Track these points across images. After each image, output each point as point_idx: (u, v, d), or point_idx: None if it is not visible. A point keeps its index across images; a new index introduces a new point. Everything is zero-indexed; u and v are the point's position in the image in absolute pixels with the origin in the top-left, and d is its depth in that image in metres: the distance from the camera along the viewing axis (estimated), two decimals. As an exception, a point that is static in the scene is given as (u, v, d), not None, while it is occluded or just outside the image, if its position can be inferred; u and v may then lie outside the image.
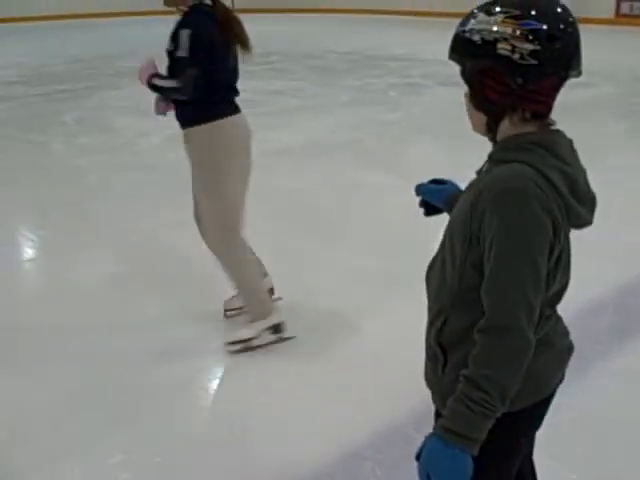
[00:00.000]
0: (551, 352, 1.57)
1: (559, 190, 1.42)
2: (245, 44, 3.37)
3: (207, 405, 3.09)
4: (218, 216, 3.37)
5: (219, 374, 3.42)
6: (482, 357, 1.41)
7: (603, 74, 10.27)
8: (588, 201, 1.51)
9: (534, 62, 1.41)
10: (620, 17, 18.22)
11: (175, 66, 3.18)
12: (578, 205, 1.46)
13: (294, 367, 3.29)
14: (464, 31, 1.48)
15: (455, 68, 1.55)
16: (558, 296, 1.57)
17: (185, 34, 3.11)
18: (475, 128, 1.58)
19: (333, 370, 3.25)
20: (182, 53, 3.11)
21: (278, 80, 10.88)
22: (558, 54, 1.43)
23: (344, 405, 2.95)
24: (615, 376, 3.18)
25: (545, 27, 1.41)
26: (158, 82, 3.22)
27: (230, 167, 3.32)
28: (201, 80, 3.14)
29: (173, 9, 3.36)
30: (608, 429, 2.84)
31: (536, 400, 1.56)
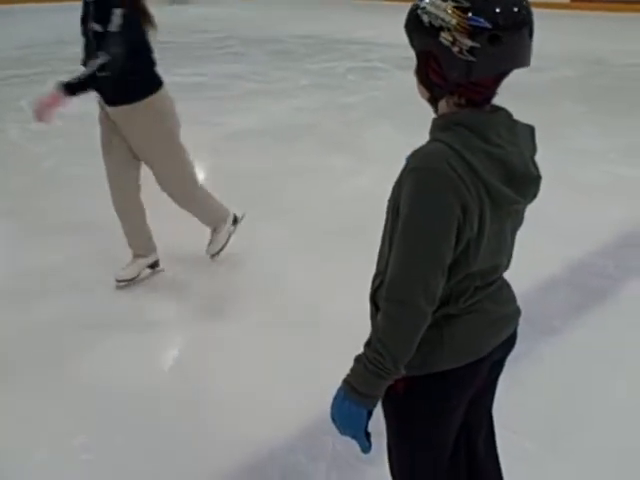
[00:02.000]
0: (481, 319, 1.63)
1: (478, 173, 1.45)
2: (153, 22, 3.63)
3: (165, 382, 3.11)
4: (183, 174, 3.92)
5: (175, 350, 3.45)
6: (380, 323, 1.51)
7: (560, 58, 10.40)
8: (526, 182, 1.53)
9: (472, 59, 1.42)
10: (575, 1, 18.42)
11: (101, 42, 3.38)
12: (505, 187, 1.48)
13: (250, 340, 3.35)
14: (418, 7, 1.48)
15: (414, 53, 1.57)
16: (492, 271, 1.62)
17: (118, 12, 3.37)
18: (421, 96, 1.60)
19: (292, 342, 3.32)
20: (113, 28, 3.37)
21: (237, 64, 10.80)
22: (499, 55, 1.43)
23: (304, 378, 2.99)
24: (569, 349, 3.28)
25: (490, 26, 1.39)
26: (80, 77, 3.38)
27: (175, 129, 3.83)
28: (129, 55, 3.39)
29: None
30: (562, 399, 2.93)
31: (462, 363, 1.62)
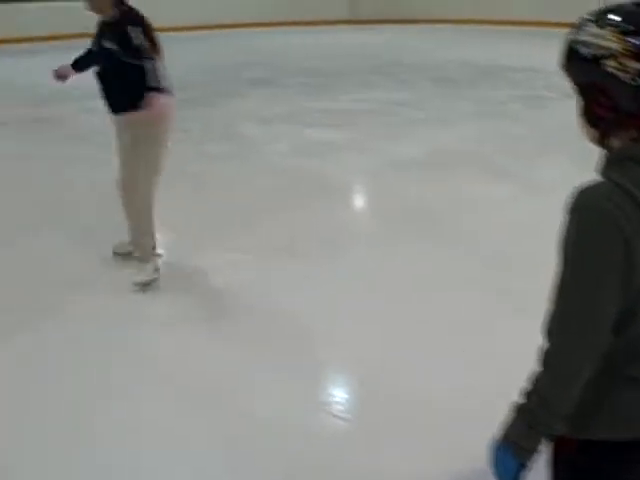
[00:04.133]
0: None
1: None
2: (160, 50, 4.07)
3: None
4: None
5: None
6: (538, 373, 1.46)
7: None
8: None
9: None
10: None
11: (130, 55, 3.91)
12: None
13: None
14: (574, 41, 1.43)
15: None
16: None
17: (138, 30, 3.93)
18: (588, 139, 1.51)
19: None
20: (138, 42, 3.90)
21: (400, 91, 10.90)
22: None
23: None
24: None
25: None
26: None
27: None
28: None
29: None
30: None
31: (621, 436, 1.47)
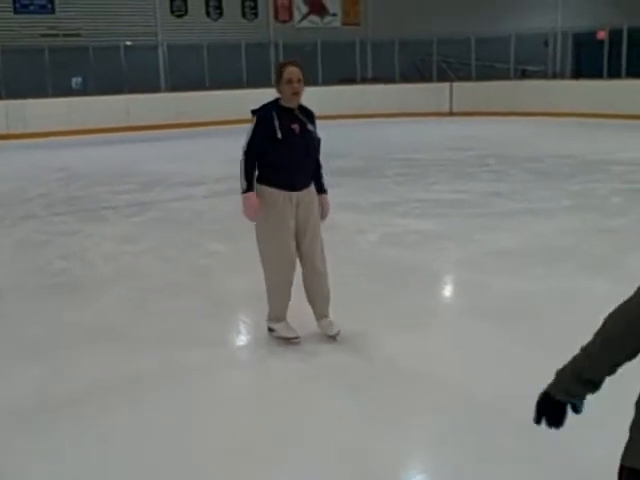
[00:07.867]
0: None
1: None
2: None
3: None
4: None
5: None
6: None
7: None
8: None
9: None
10: None
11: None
12: None
13: None
14: None
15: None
16: None
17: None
18: None
19: None
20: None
21: (496, 182, 10.83)
22: None
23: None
24: None
25: None
26: None
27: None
28: None
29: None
30: None
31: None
